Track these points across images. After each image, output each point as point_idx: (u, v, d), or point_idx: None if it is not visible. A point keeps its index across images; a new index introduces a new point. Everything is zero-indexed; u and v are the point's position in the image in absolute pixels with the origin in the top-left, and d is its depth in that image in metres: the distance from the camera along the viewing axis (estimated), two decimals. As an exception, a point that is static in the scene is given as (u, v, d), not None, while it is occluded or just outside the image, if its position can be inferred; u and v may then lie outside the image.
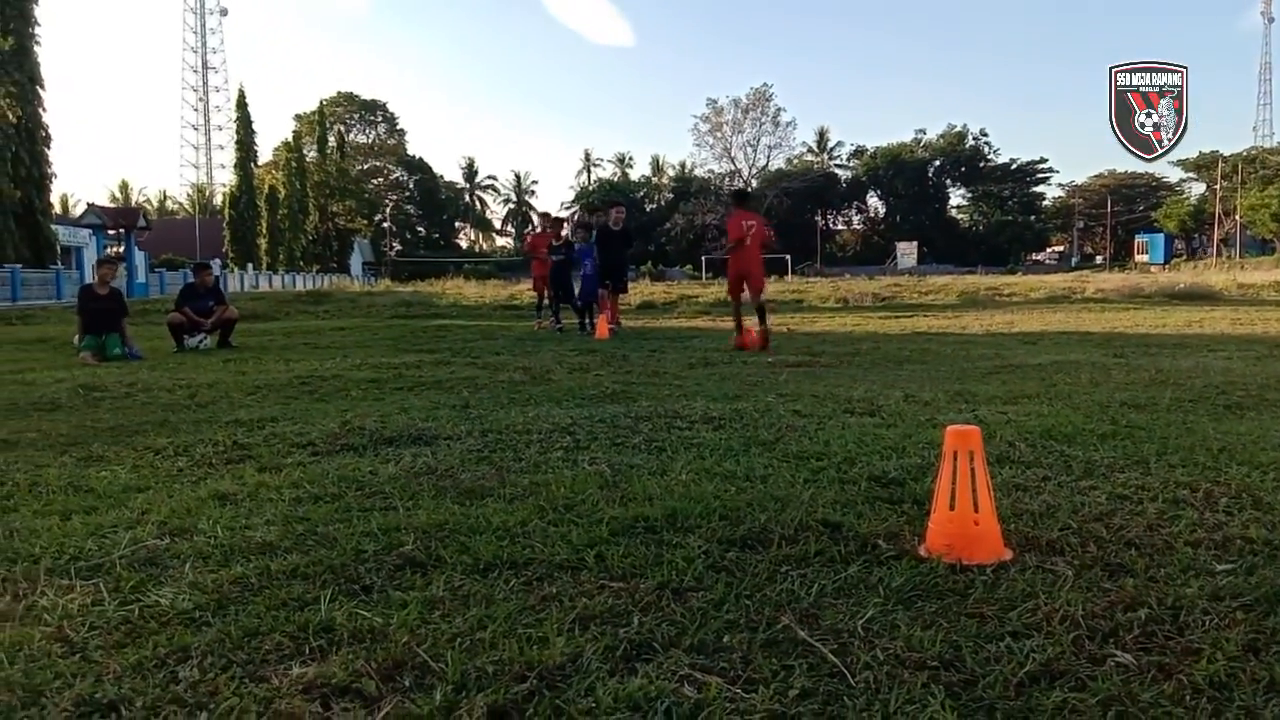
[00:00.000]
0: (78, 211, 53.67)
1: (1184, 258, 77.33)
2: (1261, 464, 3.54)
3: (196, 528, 2.93)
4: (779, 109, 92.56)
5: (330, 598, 2.27)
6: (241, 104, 69.03)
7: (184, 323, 11.55)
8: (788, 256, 71.98)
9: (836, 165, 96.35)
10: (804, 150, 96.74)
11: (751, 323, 10.41)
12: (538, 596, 2.27)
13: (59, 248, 36.22)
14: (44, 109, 35.73)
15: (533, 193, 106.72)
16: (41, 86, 35.63)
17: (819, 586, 2.31)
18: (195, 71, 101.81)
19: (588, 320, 13.99)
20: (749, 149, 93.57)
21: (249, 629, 2.10)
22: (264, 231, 66.59)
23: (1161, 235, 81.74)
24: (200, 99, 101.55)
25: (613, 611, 2.16)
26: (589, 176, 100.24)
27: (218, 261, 37.67)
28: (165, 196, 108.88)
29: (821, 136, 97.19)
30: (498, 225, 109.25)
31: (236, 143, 68.36)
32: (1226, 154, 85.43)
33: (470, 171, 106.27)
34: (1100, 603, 2.16)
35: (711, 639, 2.01)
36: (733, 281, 11.13)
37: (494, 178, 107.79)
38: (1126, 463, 3.62)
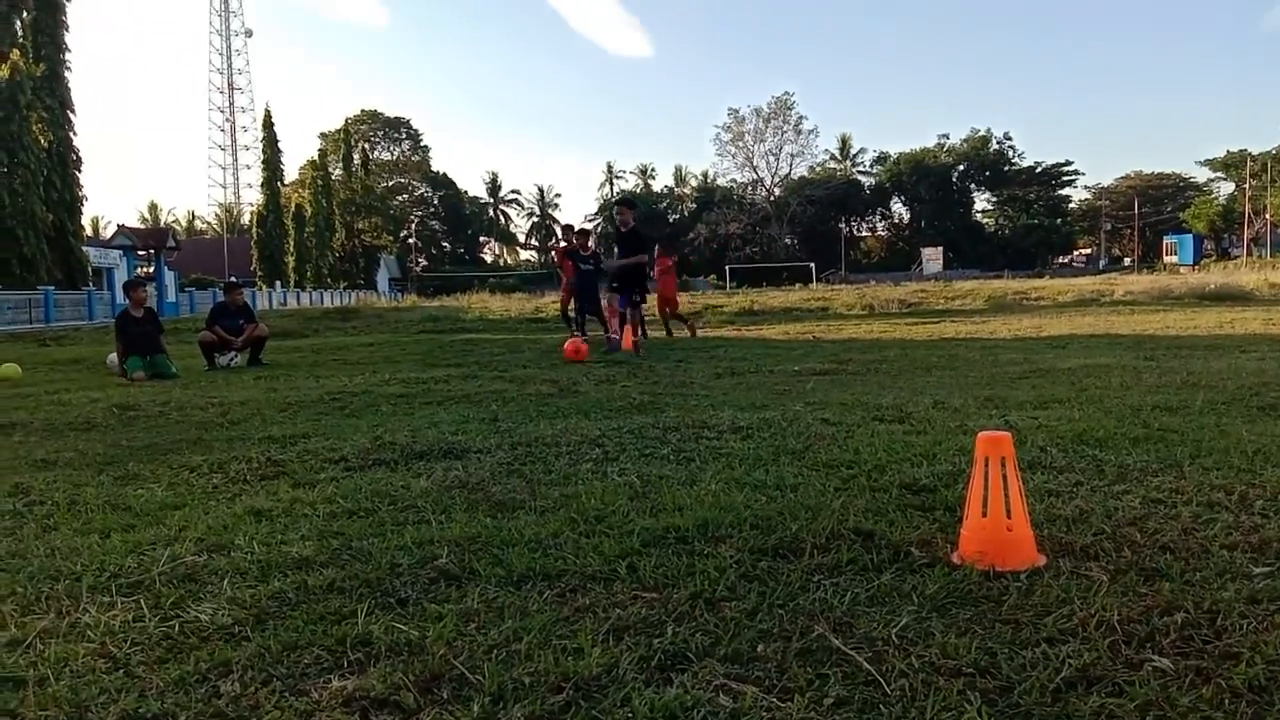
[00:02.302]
0: (108, 233, 54.39)
1: (1214, 258, 76.42)
2: (1298, 466, 3.50)
3: (233, 544, 2.96)
4: (800, 117, 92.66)
5: (367, 611, 2.30)
6: (268, 124, 69.96)
7: (215, 341, 11.68)
8: (812, 265, 71.89)
9: (860, 172, 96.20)
10: (826, 158, 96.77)
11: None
12: (572, 608, 2.28)
13: (90, 269, 36.72)
14: (74, 133, 36.38)
15: (556, 206, 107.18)
16: (72, 111, 36.27)
17: (852, 595, 2.31)
18: (222, 93, 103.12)
19: (640, 333, 13.06)
20: (771, 158, 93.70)
21: (288, 643, 2.13)
22: (291, 249, 67.25)
23: (1190, 236, 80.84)
24: (227, 119, 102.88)
25: (647, 622, 2.17)
26: (611, 188, 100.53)
27: (230, 279, 38.05)
28: (194, 217, 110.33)
29: (844, 143, 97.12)
30: (521, 239, 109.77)
31: (263, 162, 69.24)
32: (1255, 152, 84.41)
33: (494, 186, 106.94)
34: (1136, 607, 2.14)
35: (746, 648, 2.02)
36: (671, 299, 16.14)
37: (517, 192, 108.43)
38: (1160, 466, 3.60)
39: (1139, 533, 2.72)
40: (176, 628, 2.27)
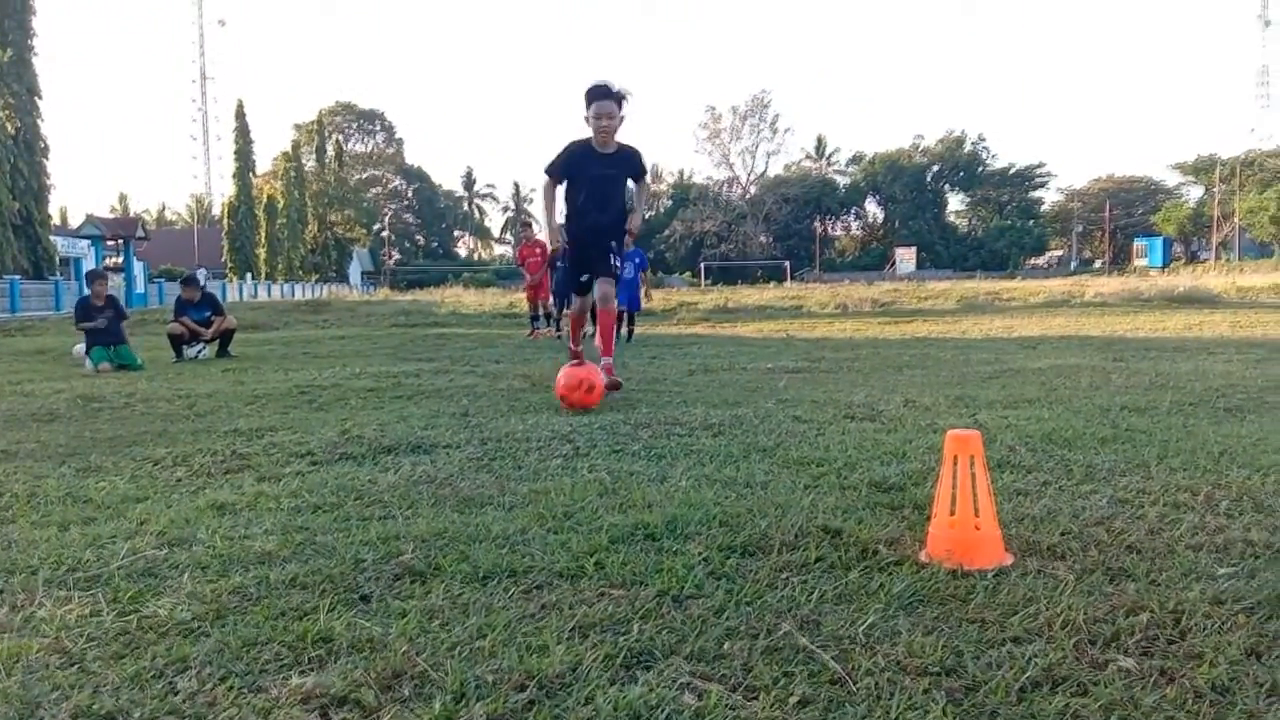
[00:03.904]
0: (76, 223, 53.83)
1: (1183, 261, 77.41)
2: (1262, 467, 3.54)
3: (195, 538, 2.92)
4: (776, 115, 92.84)
5: (329, 607, 2.27)
6: (240, 115, 69.37)
7: (184, 333, 11.55)
8: (787, 263, 72.14)
9: (835, 171, 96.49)
10: (802, 156, 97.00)
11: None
12: (537, 605, 2.26)
13: (58, 259, 36.23)
14: (42, 120, 35.85)
15: (531, 200, 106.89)
16: (39, 97, 35.73)
17: (820, 593, 2.31)
18: (194, 82, 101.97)
19: (628, 330, 13.07)
20: (747, 156, 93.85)
21: (247, 639, 2.09)
22: (263, 241, 66.75)
23: (1160, 239, 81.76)
24: (200, 109, 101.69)
25: (613, 619, 2.15)
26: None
27: (203, 271, 37.61)
28: (164, 207, 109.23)
29: (820, 143, 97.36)
30: (496, 233, 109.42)
31: (235, 153, 68.65)
32: (1224, 157, 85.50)
33: (469, 180, 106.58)
34: (1102, 607, 2.15)
35: (712, 646, 2.00)
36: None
37: (492, 186, 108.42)
38: (1127, 467, 3.62)
39: (1105, 532, 2.73)
40: (134, 623, 2.22)
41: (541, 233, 16.21)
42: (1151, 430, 4.42)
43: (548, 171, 6.32)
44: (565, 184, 6.43)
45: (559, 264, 14.71)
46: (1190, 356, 8.66)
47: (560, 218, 6.64)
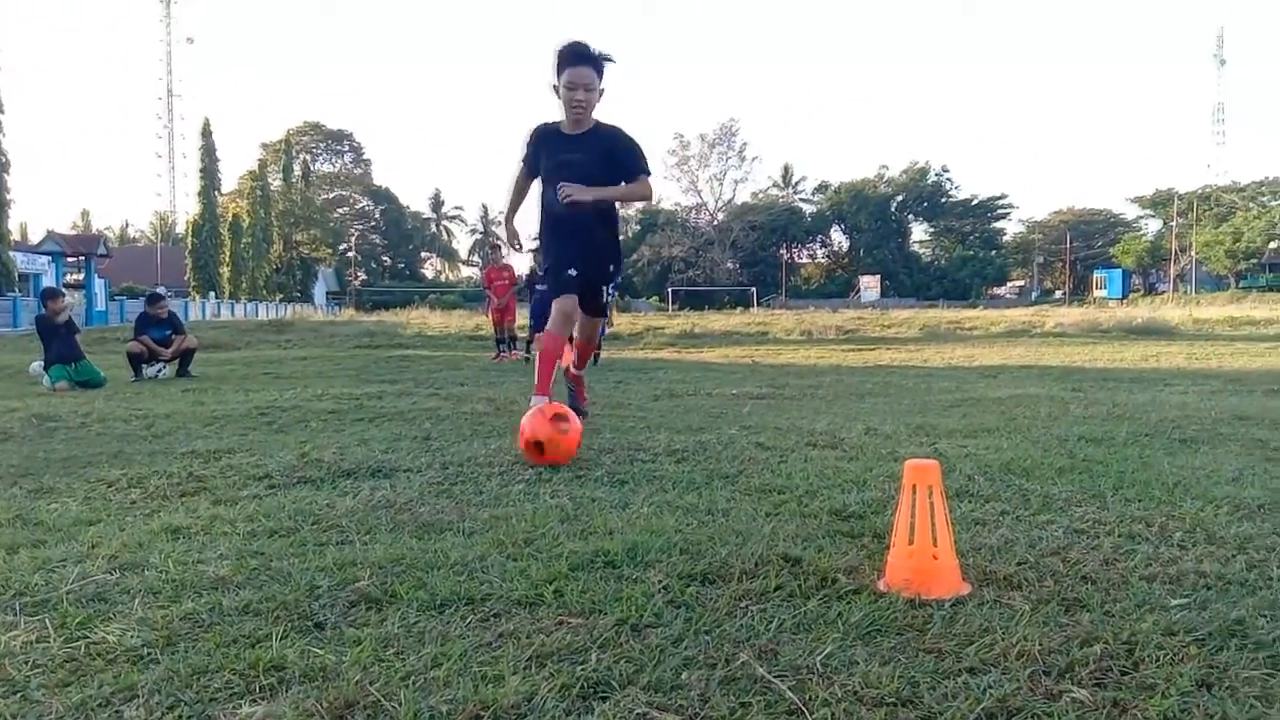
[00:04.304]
0: (37, 238, 52.98)
1: (1141, 293, 78.83)
2: (1215, 498, 3.59)
3: (148, 562, 2.86)
4: (744, 143, 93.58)
5: (282, 635, 2.23)
6: (206, 133, 68.91)
7: (143, 352, 11.41)
8: (753, 289, 72.57)
9: (801, 199, 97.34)
10: (769, 184, 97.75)
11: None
12: (494, 633, 2.24)
13: (16, 275, 35.65)
14: (3, 134, 35.33)
15: (499, 223, 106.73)
16: (1, 111, 35.24)
17: (778, 622, 2.30)
18: (161, 99, 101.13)
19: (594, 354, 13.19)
20: (715, 183, 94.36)
21: (198, 667, 2.05)
22: (227, 260, 66.14)
23: (1119, 271, 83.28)
24: (166, 127, 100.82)
25: (570, 649, 2.14)
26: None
27: (162, 289, 37.23)
28: (127, 224, 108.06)
29: (787, 171, 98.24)
30: (464, 255, 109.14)
31: (200, 171, 68.14)
32: (1182, 191, 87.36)
33: (437, 202, 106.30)
34: (1056, 638, 2.16)
35: (669, 676, 1.99)
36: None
37: (460, 208, 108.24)
38: (1083, 497, 3.66)
39: (1061, 563, 2.75)
40: (82, 649, 2.18)
41: (509, 256, 16.20)
42: (1108, 461, 4.47)
43: (521, 160, 5.29)
44: (538, 175, 5.27)
45: (539, 286, 14.74)
46: (1147, 387, 8.79)
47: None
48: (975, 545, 2.94)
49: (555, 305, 5.17)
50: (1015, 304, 68.77)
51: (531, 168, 5.23)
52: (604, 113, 5.18)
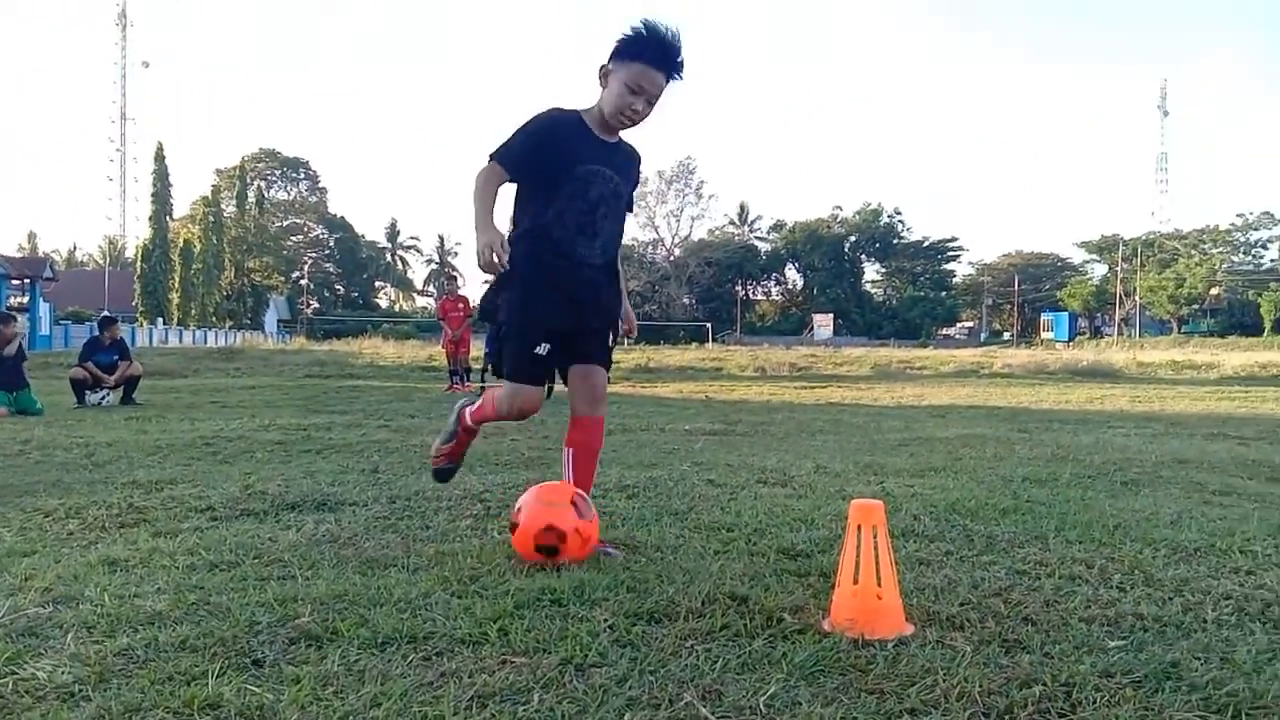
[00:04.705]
0: (-21, 260, 51.82)
1: (1087, 336, 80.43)
2: (1154, 541, 3.65)
3: (83, 595, 2.80)
4: (702, 181, 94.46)
5: (219, 672, 2.19)
6: (159, 157, 68.19)
7: (87, 378, 11.18)
8: (708, 325, 72.94)
9: (757, 238, 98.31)
10: (725, 222, 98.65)
11: None
12: (436, 672, 2.21)
13: (-43, 297, 34.84)
14: (-52, 154, 34.68)
15: (455, 254, 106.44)
16: (-53, 131, 34.63)
17: (723, 661, 2.30)
18: (114, 122, 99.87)
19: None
20: (672, 219, 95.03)
21: (131, 704, 2.00)
22: (176, 286, 65.21)
23: (1066, 314, 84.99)
24: (118, 150, 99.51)
25: (513, 688, 2.12)
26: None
27: (106, 314, 36.59)
28: (75, 248, 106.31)
29: (743, 209, 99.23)
30: (419, 285, 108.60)
31: (152, 195, 67.39)
32: (1127, 238, 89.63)
33: (393, 231, 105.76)
34: (997, 679, 2.18)
35: (612, 717, 1.98)
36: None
37: (416, 238, 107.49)
38: (1026, 538, 3.71)
39: (1003, 604, 2.78)
40: (10, 686, 2.11)
41: (465, 287, 16.19)
42: (1051, 502, 4.54)
43: (498, 156, 3.37)
44: (527, 183, 3.49)
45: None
46: (1091, 429, 8.94)
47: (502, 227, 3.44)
48: (920, 585, 2.97)
49: (514, 395, 3.49)
50: (965, 344, 69.77)
51: (531, 164, 3.40)
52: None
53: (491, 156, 3.39)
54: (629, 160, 3.63)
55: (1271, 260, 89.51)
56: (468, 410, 3.74)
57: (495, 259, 3.17)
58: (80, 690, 2.09)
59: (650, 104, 3.43)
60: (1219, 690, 2.12)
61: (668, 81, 3.42)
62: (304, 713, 1.97)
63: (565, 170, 3.44)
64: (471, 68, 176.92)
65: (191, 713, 1.97)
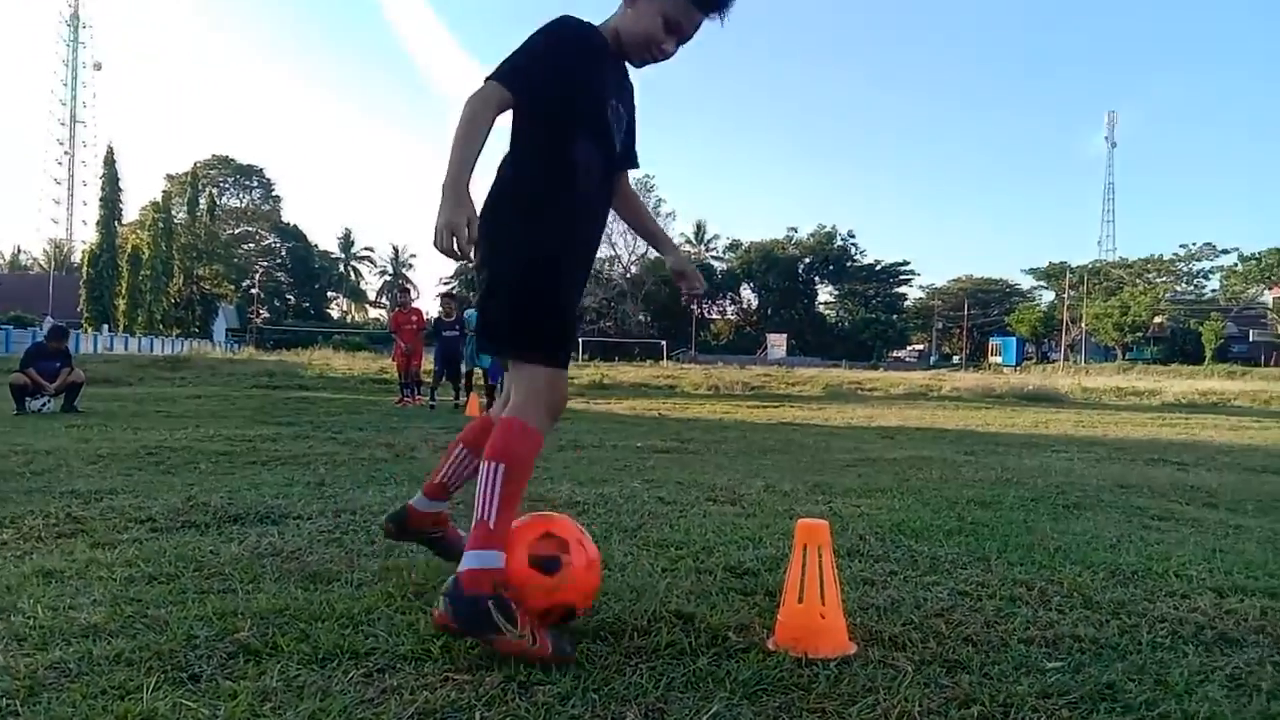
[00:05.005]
0: (-82, 261, 50.51)
1: (1034, 361, 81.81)
2: (1093, 564, 3.72)
3: (15, 607, 2.73)
4: (660, 200, 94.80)
5: (154, 686, 2.15)
6: (109, 161, 66.99)
7: (28, 384, 10.94)
8: (664, 343, 73.08)
9: (713, 257, 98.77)
10: (683, 241, 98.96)
11: None
12: (377, 689, 2.18)
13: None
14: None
15: (410, 265, 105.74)
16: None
17: (668, 679, 2.30)
18: (63, 124, 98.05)
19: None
20: (629, 236, 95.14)
21: (61, 719, 1.96)
22: (123, 292, 63.99)
23: (1014, 339, 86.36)
24: (67, 152, 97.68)
25: (455, 706, 2.10)
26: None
27: (50, 320, 35.87)
28: (19, 251, 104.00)
29: (700, 229, 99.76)
30: (372, 297, 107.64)
31: (101, 200, 66.16)
32: (1074, 265, 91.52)
33: (347, 241, 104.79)
34: (936, 699, 2.21)
35: (554, 734, 1.97)
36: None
37: (371, 249, 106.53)
38: (969, 559, 3.76)
39: (945, 624, 2.81)
40: (-66, 700, 2.06)
41: (419, 300, 16.18)
42: (994, 524, 4.60)
43: (504, 77, 2.58)
44: (543, 115, 2.66)
45: (445, 333, 14.66)
46: (1036, 453, 9.09)
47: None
48: (863, 605, 3.00)
49: (553, 384, 2.76)
50: (914, 367, 70.67)
51: (558, 92, 2.62)
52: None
53: (492, 78, 2.57)
54: (632, 102, 2.94)
55: (1213, 290, 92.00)
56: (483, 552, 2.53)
57: (457, 246, 2.37)
58: (8, 705, 2.04)
59: (679, 46, 2.81)
60: (1152, 712, 2.16)
61: (709, 19, 2.78)
62: (240, 729, 1.94)
63: (597, 107, 2.71)
64: (430, 79, 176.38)
65: (124, 728, 1.93)
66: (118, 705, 2.03)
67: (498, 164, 2.74)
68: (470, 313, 13.90)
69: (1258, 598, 3.23)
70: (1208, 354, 76.82)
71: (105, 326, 58.02)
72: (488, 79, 2.57)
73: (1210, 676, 2.42)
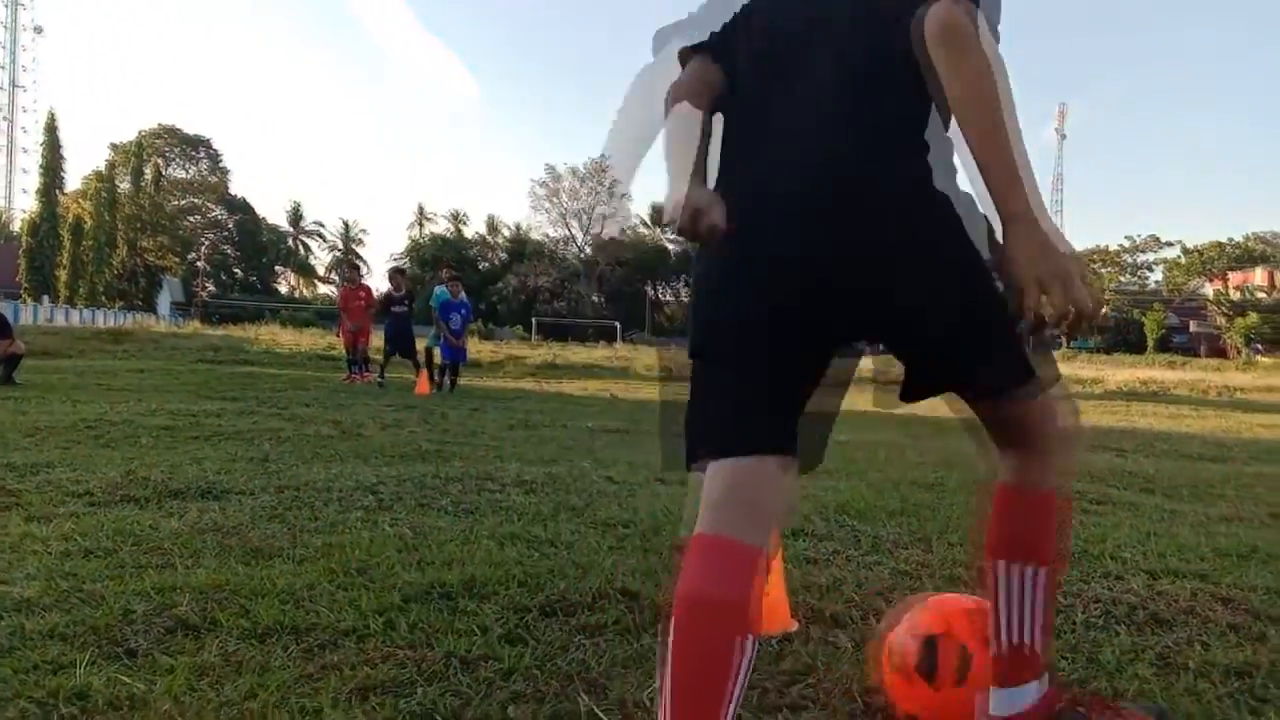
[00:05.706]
0: None
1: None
2: (1031, 545, 3.79)
3: (-56, 582, 2.67)
4: (614, 181, 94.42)
5: (89, 661, 2.11)
6: (51, 128, 65.32)
7: (-40, 356, 10.65)
8: (617, 324, 73.09)
9: (668, 240, 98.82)
10: (638, 223, 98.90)
11: None
12: (317, 665, 2.17)
13: None
14: None
15: (361, 241, 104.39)
16: None
17: (611, 656, 2.31)
18: (2, 89, 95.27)
19: (449, 380, 13.37)
20: (584, 216, 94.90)
21: (-10, 695, 1.92)
22: (65, 263, 62.59)
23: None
24: (5, 118, 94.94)
25: (395, 682, 2.09)
26: (420, 230, 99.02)
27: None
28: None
29: (654, 212, 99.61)
30: (321, 272, 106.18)
31: (42, 168, 64.54)
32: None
33: (295, 215, 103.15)
34: (875, 677, 2.24)
35: (496, 711, 1.97)
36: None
37: (320, 224, 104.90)
38: (911, 540, 3.81)
39: (885, 603, 2.85)
40: None
41: (368, 276, 16.02)
42: (936, 506, 4.68)
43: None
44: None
45: (394, 309, 14.51)
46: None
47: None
48: (806, 583, 3.03)
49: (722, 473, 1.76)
50: (863, 352, 71.40)
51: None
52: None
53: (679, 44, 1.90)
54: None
55: (1156, 281, 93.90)
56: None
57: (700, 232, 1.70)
58: (-64, 680, 2.00)
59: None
60: (1084, 689, 2.21)
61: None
62: (177, 704, 1.91)
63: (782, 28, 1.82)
64: (387, 56, 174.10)
65: (56, 703, 1.90)
66: (50, 680, 2.00)
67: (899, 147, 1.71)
68: (438, 294, 13.71)
69: (1188, 580, 3.32)
70: (1150, 343, 78.49)
71: (45, 297, 56.69)
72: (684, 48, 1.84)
73: (1140, 655, 2.48)
